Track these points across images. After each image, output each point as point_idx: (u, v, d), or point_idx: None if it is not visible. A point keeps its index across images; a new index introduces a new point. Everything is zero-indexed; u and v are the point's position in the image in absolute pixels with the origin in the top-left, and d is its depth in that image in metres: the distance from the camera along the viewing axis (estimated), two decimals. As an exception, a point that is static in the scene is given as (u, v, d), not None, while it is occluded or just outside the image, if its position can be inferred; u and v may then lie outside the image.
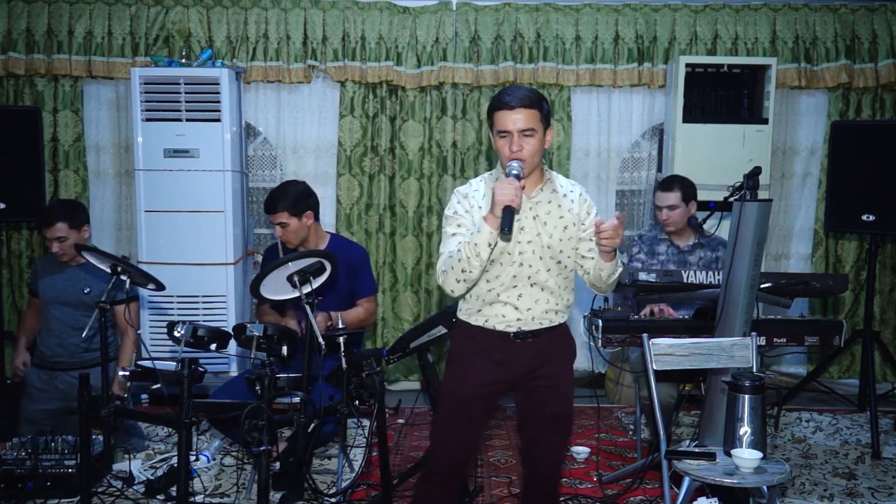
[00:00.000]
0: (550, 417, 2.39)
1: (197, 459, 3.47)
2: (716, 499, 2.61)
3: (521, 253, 2.29)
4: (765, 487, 2.51)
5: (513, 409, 2.51)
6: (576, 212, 2.37)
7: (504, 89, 2.33)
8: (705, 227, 3.60)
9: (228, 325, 4.21)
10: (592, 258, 2.35)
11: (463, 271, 2.22)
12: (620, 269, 2.37)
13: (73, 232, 3.51)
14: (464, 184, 2.45)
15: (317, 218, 3.47)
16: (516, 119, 2.21)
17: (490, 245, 2.18)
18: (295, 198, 3.37)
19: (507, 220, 2.12)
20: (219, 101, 4.38)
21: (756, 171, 2.90)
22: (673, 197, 3.58)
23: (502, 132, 2.24)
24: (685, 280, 3.23)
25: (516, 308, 2.31)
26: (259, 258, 4.48)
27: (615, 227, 2.15)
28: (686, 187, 3.61)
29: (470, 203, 2.33)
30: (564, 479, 3.40)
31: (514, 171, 2.17)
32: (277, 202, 3.35)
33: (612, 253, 2.23)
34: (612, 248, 2.20)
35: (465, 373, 2.37)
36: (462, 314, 2.42)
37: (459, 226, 2.30)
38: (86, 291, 3.53)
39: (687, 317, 3.38)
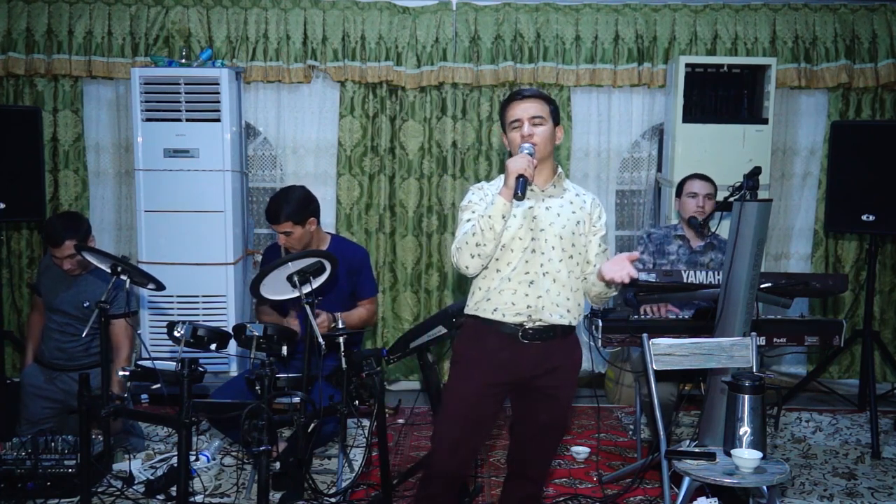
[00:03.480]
0: (544, 425, 2.41)
1: (197, 459, 3.47)
2: (716, 499, 2.61)
3: (534, 239, 2.32)
4: (765, 487, 2.51)
5: (508, 408, 2.52)
6: (587, 210, 2.44)
7: (513, 91, 2.48)
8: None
9: (228, 325, 4.21)
10: (595, 265, 2.40)
11: (477, 245, 2.25)
12: (613, 294, 2.43)
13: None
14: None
15: (318, 222, 3.46)
16: (526, 107, 2.34)
17: (504, 217, 2.23)
18: (297, 206, 3.30)
19: (520, 186, 2.20)
20: (219, 101, 4.38)
21: (756, 171, 2.91)
22: (710, 186, 3.64)
23: (514, 122, 2.35)
24: (685, 280, 3.23)
25: (526, 294, 2.31)
26: (259, 258, 4.48)
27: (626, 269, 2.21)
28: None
29: (485, 193, 2.40)
30: (564, 479, 3.41)
31: (528, 151, 2.27)
32: (280, 212, 3.28)
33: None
34: (611, 281, 2.26)
35: (470, 373, 2.36)
36: (470, 308, 2.42)
37: (474, 212, 2.35)
38: (85, 305, 3.49)
39: (687, 317, 3.38)
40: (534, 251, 2.32)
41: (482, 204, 2.36)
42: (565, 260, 2.35)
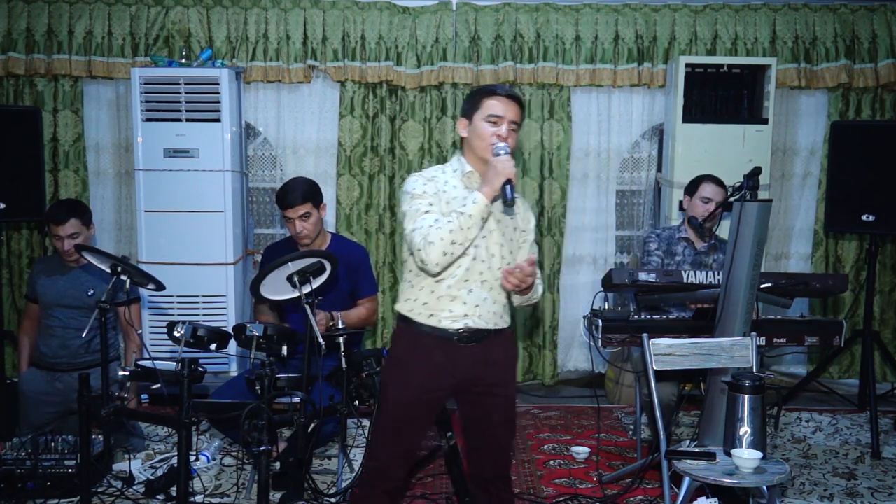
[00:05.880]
0: (497, 423, 2.38)
1: (197, 459, 3.47)
2: (716, 499, 2.61)
3: (476, 246, 2.27)
4: (765, 487, 2.51)
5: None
6: (521, 216, 2.41)
7: (494, 84, 2.37)
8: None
9: (228, 325, 4.21)
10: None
11: (453, 243, 2.17)
12: (536, 296, 2.41)
13: (83, 228, 3.54)
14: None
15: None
16: (512, 109, 2.28)
17: (483, 218, 2.20)
18: (314, 189, 3.42)
19: (509, 191, 2.18)
20: (219, 101, 4.38)
21: (756, 171, 2.90)
22: (723, 192, 3.59)
23: (494, 116, 2.26)
24: (685, 280, 3.23)
25: (464, 303, 2.27)
26: (259, 258, 4.48)
27: (523, 274, 2.19)
28: None
29: (436, 186, 2.30)
30: (564, 479, 3.41)
31: (506, 151, 2.22)
32: (299, 193, 3.35)
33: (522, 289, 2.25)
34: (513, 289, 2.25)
35: (407, 377, 2.31)
36: (404, 307, 2.34)
37: (431, 204, 2.25)
38: (90, 294, 3.52)
39: (686, 317, 3.38)
40: (475, 258, 2.27)
41: (436, 198, 2.26)
42: (503, 268, 2.29)
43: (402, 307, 2.35)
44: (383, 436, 2.37)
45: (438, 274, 2.25)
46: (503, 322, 2.37)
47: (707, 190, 3.61)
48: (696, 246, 3.66)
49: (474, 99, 2.33)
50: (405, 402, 2.32)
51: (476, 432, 2.41)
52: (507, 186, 2.17)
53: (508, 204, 2.20)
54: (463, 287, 2.27)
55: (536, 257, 2.45)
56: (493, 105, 2.28)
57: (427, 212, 2.23)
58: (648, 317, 3.33)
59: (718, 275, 3.16)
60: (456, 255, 2.21)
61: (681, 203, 3.91)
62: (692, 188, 3.68)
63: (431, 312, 2.29)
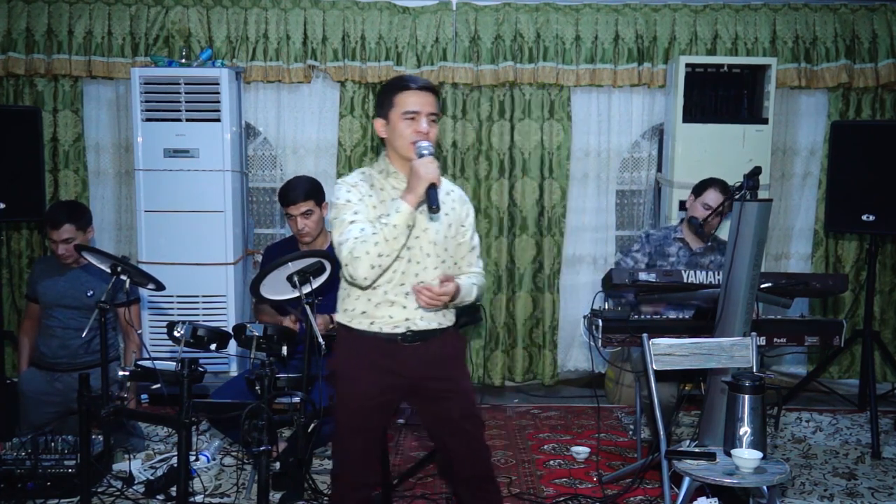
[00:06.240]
0: (459, 420, 2.32)
1: (197, 459, 3.47)
2: (716, 499, 2.61)
3: (409, 248, 2.20)
4: (765, 487, 2.51)
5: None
6: (458, 210, 2.34)
7: (403, 76, 2.28)
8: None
9: (228, 325, 4.21)
10: (467, 267, 2.36)
11: (380, 255, 2.10)
12: (471, 298, 2.34)
13: (79, 233, 3.51)
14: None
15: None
16: (426, 101, 2.19)
17: (409, 227, 2.12)
18: (316, 187, 3.43)
19: (434, 196, 2.09)
20: (219, 101, 4.38)
21: (756, 171, 2.90)
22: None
23: (409, 112, 2.17)
24: (685, 280, 3.23)
25: (404, 307, 2.22)
26: (259, 258, 4.48)
27: (435, 294, 2.15)
28: None
29: (360, 192, 2.23)
30: (564, 479, 3.41)
31: (429, 151, 2.13)
32: (302, 191, 3.36)
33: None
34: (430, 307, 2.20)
35: (353, 386, 2.25)
36: (343, 317, 2.29)
37: (357, 213, 2.18)
38: (89, 294, 3.52)
39: (686, 317, 3.38)
40: (409, 260, 2.21)
41: (362, 205, 2.20)
42: (440, 267, 2.25)
43: (342, 318, 2.30)
44: (341, 446, 2.33)
45: (369, 286, 2.20)
46: (447, 320, 2.32)
47: (710, 197, 3.57)
48: (693, 247, 3.65)
49: (386, 96, 2.22)
50: (351, 410, 2.27)
51: (442, 435, 2.36)
52: (432, 192, 2.09)
53: (434, 210, 2.10)
54: (400, 291, 2.22)
55: (478, 251, 2.42)
56: (407, 101, 2.17)
57: (353, 222, 2.15)
58: (648, 317, 3.33)
59: (718, 275, 3.16)
60: (385, 266, 2.14)
61: (682, 203, 3.90)
62: (699, 190, 3.65)
63: (372, 320, 2.24)
